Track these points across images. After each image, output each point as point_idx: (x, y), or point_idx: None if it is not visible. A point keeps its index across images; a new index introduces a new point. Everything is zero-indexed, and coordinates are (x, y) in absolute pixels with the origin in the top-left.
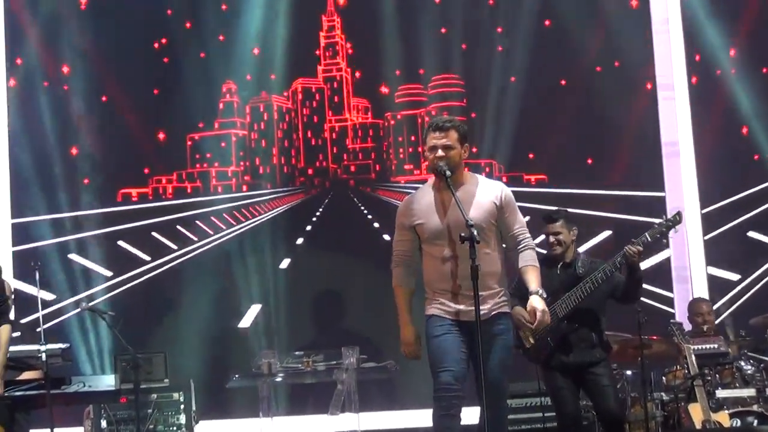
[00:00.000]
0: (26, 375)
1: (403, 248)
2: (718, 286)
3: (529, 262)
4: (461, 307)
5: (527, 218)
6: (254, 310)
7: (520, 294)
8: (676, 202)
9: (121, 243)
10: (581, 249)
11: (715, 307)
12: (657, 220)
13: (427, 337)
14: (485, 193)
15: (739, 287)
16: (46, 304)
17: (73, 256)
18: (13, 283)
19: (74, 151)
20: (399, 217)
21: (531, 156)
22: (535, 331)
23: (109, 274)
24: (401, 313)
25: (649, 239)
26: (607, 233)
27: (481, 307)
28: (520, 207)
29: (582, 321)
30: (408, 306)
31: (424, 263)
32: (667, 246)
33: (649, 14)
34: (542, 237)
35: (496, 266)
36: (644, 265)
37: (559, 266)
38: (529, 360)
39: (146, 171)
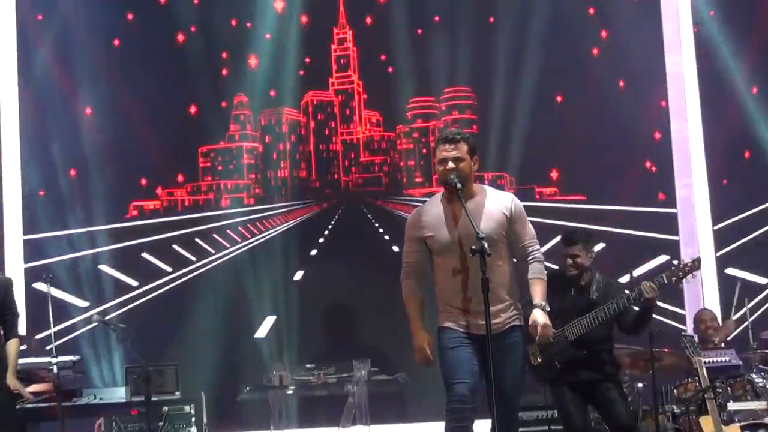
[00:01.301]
0: (38, 387)
1: (413, 259)
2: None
3: (536, 275)
4: (473, 320)
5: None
6: (266, 322)
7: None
8: (687, 217)
9: (133, 257)
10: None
11: (736, 317)
12: (675, 262)
13: (440, 348)
14: (495, 204)
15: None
16: (57, 317)
17: (85, 271)
18: (22, 297)
19: (87, 165)
20: (409, 228)
21: (542, 169)
22: (538, 344)
23: (122, 287)
24: (413, 321)
25: (665, 281)
26: (618, 248)
27: (494, 321)
28: (531, 221)
29: (591, 345)
30: (419, 314)
31: (436, 276)
32: (681, 290)
33: (661, 33)
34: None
35: (508, 278)
36: None
37: (573, 289)
38: (535, 379)
39: (158, 184)
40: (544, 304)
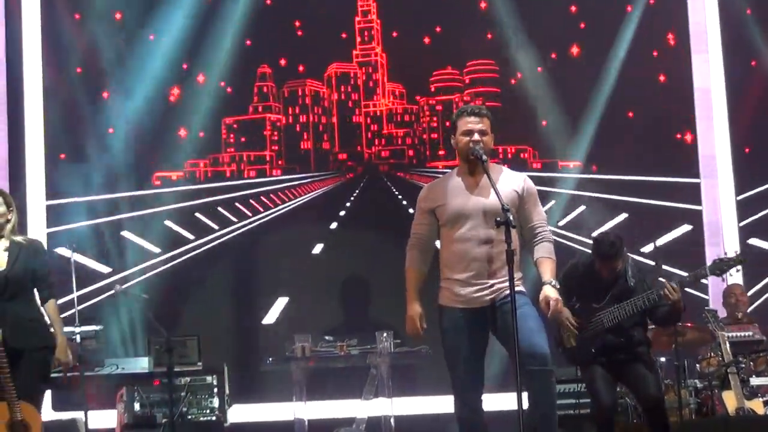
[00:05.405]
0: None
1: (421, 231)
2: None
3: (544, 255)
4: (473, 293)
5: (552, 203)
6: (288, 294)
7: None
8: (711, 188)
9: (158, 225)
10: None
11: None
12: (720, 256)
13: (442, 330)
14: (508, 182)
15: None
16: (80, 285)
17: (109, 239)
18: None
19: (110, 134)
20: (420, 200)
21: (566, 142)
22: (550, 319)
23: (145, 254)
24: (408, 291)
25: (708, 274)
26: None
27: (491, 292)
28: (555, 193)
29: (626, 331)
30: (416, 286)
31: (442, 248)
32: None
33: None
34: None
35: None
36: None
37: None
38: (567, 360)
39: (181, 155)
40: (554, 281)
